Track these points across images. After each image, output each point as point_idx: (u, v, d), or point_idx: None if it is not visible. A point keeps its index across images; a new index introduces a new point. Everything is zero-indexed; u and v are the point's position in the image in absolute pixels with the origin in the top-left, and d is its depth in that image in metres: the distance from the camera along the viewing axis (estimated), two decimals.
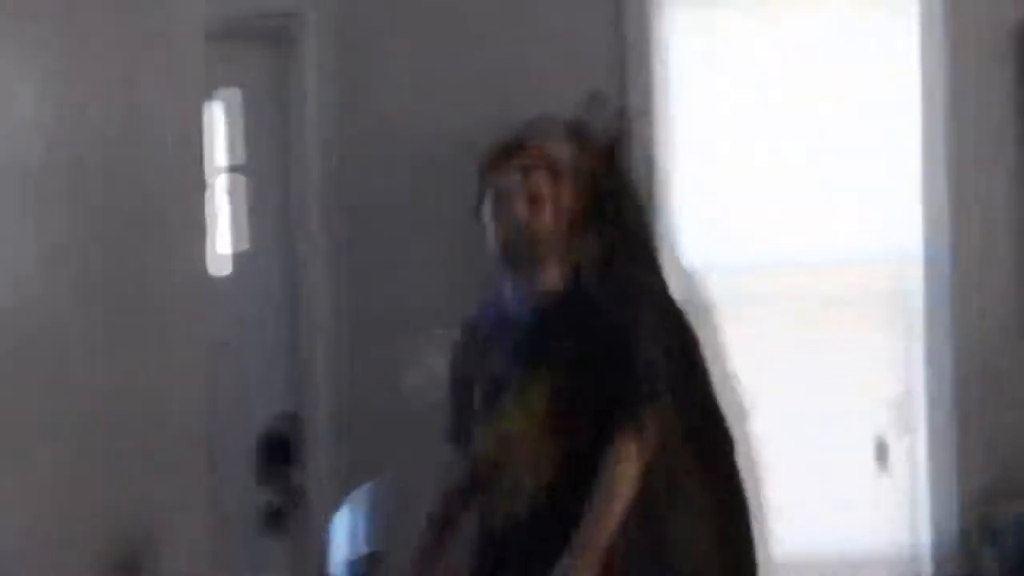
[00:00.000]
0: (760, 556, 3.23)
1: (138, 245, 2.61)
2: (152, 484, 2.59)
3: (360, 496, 3.41)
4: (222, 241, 3.84)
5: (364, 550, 3.54)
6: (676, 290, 3.42)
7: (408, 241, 3.89)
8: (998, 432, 4.00)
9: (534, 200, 2.90)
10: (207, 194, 3.05)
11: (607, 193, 3.34)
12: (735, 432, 3.30)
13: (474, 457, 2.99)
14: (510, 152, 2.95)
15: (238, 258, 3.91)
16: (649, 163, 3.86)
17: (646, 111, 3.91)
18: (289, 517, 3.84)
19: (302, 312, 3.91)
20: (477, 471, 2.98)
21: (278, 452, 3.84)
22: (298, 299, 3.92)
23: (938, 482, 4.06)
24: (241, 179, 3.91)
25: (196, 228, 2.90)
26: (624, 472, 2.82)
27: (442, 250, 3.84)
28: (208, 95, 3.20)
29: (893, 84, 4.18)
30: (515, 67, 3.93)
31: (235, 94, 3.87)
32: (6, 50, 2.19)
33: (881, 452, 4.14)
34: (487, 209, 2.92)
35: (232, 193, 3.91)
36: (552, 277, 2.95)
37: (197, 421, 2.85)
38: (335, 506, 3.68)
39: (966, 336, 4.06)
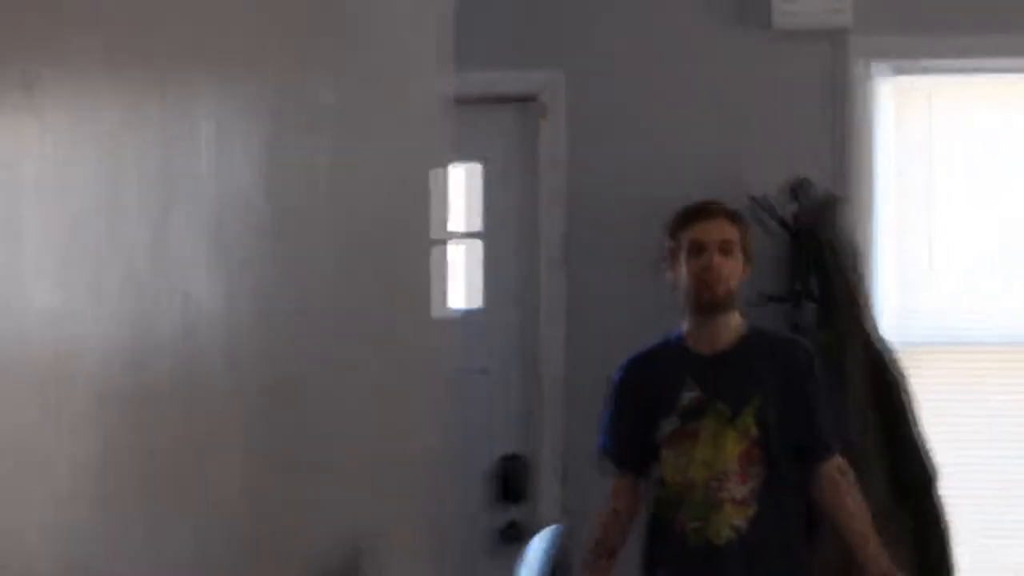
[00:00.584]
0: None
1: (381, 295, 2.82)
2: (387, 504, 2.76)
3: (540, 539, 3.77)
4: (460, 298, 4.21)
5: None
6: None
7: (625, 302, 4.19)
8: None
9: (724, 249, 3.36)
10: (441, 253, 3.39)
11: (824, 245, 3.90)
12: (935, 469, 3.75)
13: (662, 480, 3.38)
14: (702, 210, 3.44)
15: (474, 314, 4.27)
16: (855, 241, 4.07)
17: (851, 185, 4.09)
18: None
19: (531, 364, 4.28)
20: (667, 493, 3.37)
21: (506, 487, 4.25)
22: (529, 352, 4.29)
23: None
24: (479, 243, 4.32)
25: (430, 285, 3.15)
26: (849, 480, 3.35)
27: (656, 309, 4.15)
28: (452, 162, 3.56)
29: None
30: (728, 148, 4.17)
31: (476, 166, 4.27)
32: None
33: None
34: (682, 260, 3.39)
35: (470, 255, 4.31)
36: (736, 321, 3.42)
37: (436, 456, 3.09)
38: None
39: None
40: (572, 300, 4.24)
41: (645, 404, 3.45)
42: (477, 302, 4.32)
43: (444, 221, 3.22)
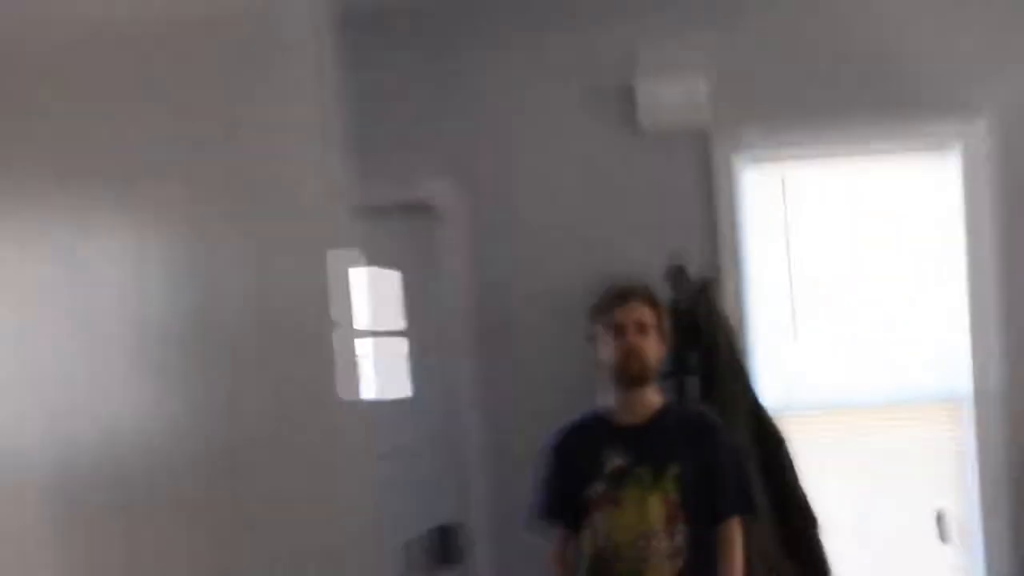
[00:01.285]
0: None
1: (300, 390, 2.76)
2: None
3: None
4: (390, 388, 4.71)
5: None
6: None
7: (538, 381, 4.59)
8: None
9: (641, 330, 3.75)
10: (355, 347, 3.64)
11: (703, 322, 4.21)
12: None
13: (584, 540, 3.77)
14: (620, 295, 3.81)
15: (404, 402, 4.75)
16: (729, 317, 4.40)
17: (722, 267, 4.47)
18: None
19: (458, 443, 4.73)
20: (600, 547, 3.73)
21: (444, 553, 4.71)
22: (454, 432, 4.74)
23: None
24: (403, 340, 4.79)
25: (347, 377, 3.21)
26: (739, 544, 3.73)
27: (565, 383, 4.50)
28: (366, 266, 3.75)
29: (942, 233, 4.56)
30: (612, 240, 4.58)
31: (394, 272, 4.75)
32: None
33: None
34: (602, 340, 3.77)
35: (397, 351, 4.79)
36: (655, 395, 3.81)
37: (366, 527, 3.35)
38: None
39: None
40: (487, 383, 4.70)
41: (576, 468, 3.78)
42: (406, 391, 4.80)
43: (352, 317, 3.54)
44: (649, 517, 3.68)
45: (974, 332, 4.53)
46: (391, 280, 4.75)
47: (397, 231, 4.68)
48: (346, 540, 2.93)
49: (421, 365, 4.81)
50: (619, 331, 3.75)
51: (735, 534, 3.72)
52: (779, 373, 4.58)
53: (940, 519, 4.59)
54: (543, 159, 4.67)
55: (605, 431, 3.80)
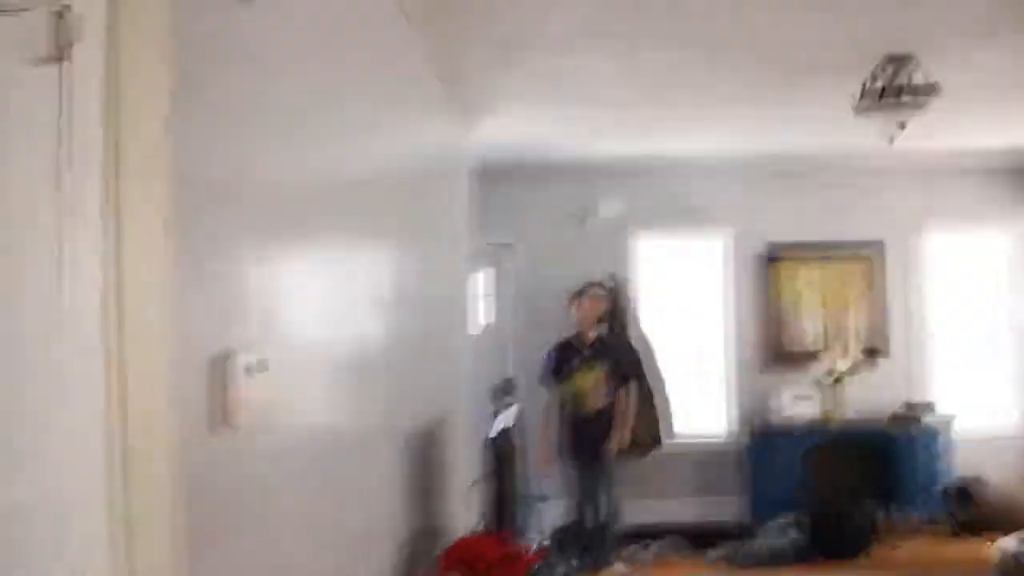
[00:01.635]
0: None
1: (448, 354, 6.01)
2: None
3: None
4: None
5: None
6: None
7: (545, 322, 9.59)
8: None
9: (592, 305, 8.98)
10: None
11: (616, 307, 9.92)
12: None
13: (563, 391, 8.72)
14: (582, 291, 9.05)
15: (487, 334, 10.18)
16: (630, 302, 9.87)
17: (627, 281, 10.09)
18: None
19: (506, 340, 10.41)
20: (566, 396, 8.67)
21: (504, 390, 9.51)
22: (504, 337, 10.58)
23: None
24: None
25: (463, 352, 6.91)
26: (631, 395, 8.79)
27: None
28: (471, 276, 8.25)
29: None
30: (581, 268, 9.69)
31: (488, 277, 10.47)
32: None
33: None
34: (574, 308, 8.91)
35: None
36: (594, 333, 8.95)
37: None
38: None
39: None
40: (525, 330, 10.80)
41: (561, 361, 8.76)
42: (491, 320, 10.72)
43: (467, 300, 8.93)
44: (593, 380, 8.55)
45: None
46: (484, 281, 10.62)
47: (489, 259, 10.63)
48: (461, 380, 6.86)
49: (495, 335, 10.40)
50: (580, 306, 8.87)
51: (632, 389, 8.68)
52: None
53: None
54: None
55: (573, 348, 8.75)
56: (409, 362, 4.54)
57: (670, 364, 9.63)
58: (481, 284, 10.10)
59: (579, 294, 9.01)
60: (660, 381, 9.30)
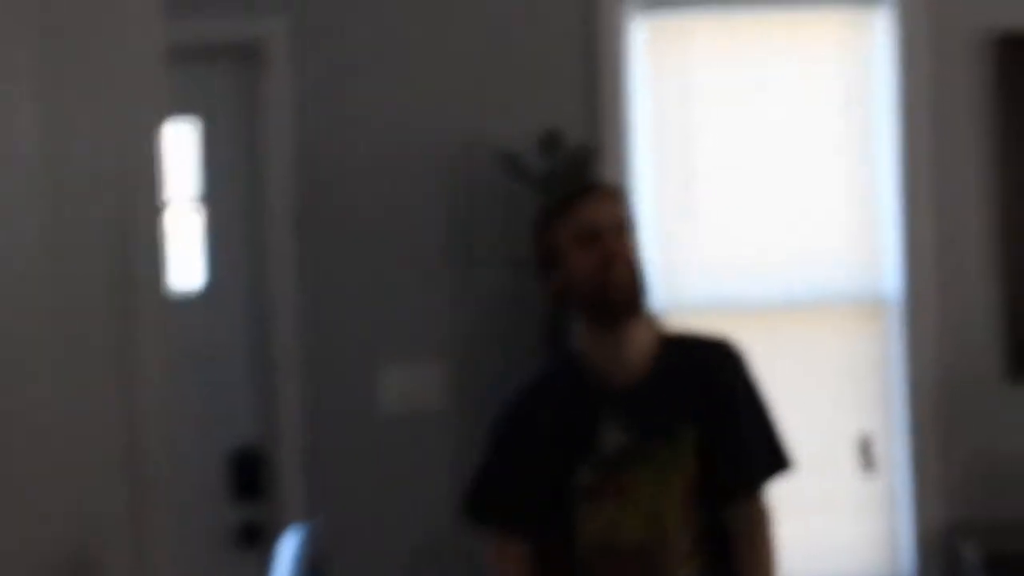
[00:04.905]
0: None
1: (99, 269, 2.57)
2: (108, 503, 2.48)
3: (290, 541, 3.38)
4: (187, 271, 3.79)
5: None
6: None
7: (374, 270, 3.85)
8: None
9: (622, 234, 2.61)
10: (165, 221, 3.02)
11: None
12: None
13: (581, 542, 2.63)
14: (586, 191, 2.67)
15: (202, 289, 3.86)
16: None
17: (605, 147, 3.81)
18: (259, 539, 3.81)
19: (266, 343, 3.86)
20: (591, 558, 2.63)
21: (242, 484, 3.83)
22: (261, 330, 3.86)
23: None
24: (203, 208, 3.85)
25: (156, 256, 2.88)
26: (772, 531, 2.69)
27: (410, 280, 3.82)
28: (167, 121, 3.16)
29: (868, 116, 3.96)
30: (472, 100, 3.87)
31: (196, 121, 3.85)
32: None
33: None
34: (569, 257, 2.60)
35: (197, 222, 3.86)
36: (649, 328, 2.67)
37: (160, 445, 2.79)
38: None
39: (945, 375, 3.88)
40: (305, 271, 3.84)
41: (548, 451, 2.64)
42: (199, 278, 3.86)
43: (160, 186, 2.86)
44: (667, 505, 2.60)
45: (905, 222, 3.87)
46: (187, 133, 3.77)
47: (206, 77, 3.87)
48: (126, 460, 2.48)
49: (223, 246, 3.88)
50: (592, 238, 2.58)
51: (766, 504, 2.70)
52: (669, 265, 3.89)
53: (863, 445, 3.93)
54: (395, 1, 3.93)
55: (588, 392, 2.64)
56: None
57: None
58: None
59: (574, 205, 2.65)
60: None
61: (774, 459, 2.68)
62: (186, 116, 3.83)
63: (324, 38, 3.85)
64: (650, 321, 2.66)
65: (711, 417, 2.60)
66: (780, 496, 2.79)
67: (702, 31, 3.96)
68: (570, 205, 2.61)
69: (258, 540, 3.76)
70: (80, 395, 2.32)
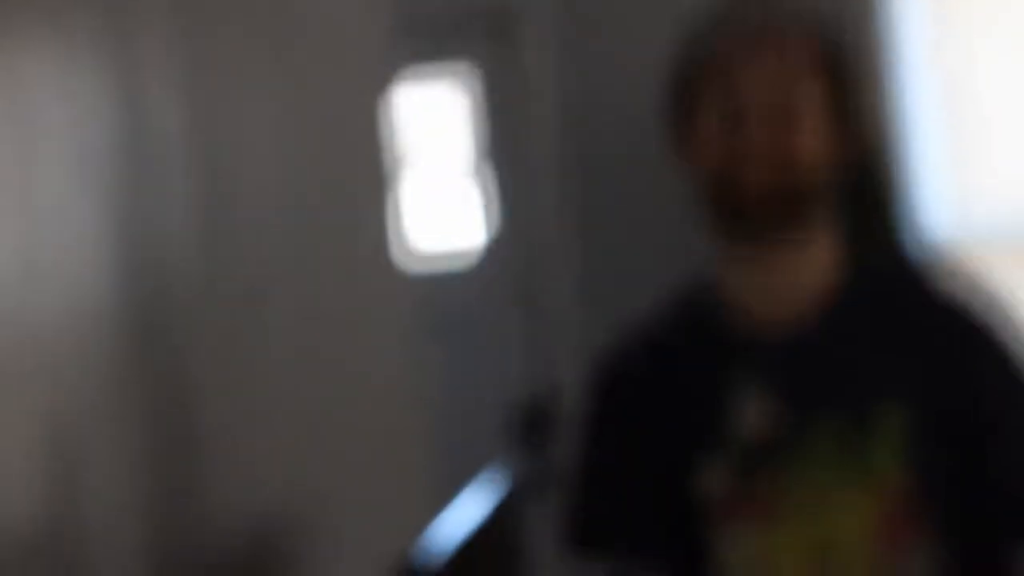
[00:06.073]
0: None
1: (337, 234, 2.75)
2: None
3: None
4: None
5: None
6: None
7: (648, 221, 4.05)
8: None
9: (785, 113, 1.61)
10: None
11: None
12: None
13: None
14: (748, 34, 1.64)
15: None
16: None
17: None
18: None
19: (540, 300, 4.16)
20: None
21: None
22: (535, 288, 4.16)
23: None
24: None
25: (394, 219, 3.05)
26: None
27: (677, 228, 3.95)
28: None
29: None
30: None
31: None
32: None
33: None
34: (699, 132, 1.62)
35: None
36: (825, 254, 1.68)
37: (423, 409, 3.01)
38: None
39: None
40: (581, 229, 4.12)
41: (665, 435, 1.70)
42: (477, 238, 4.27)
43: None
44: (845, 527, 1.64)
45: None
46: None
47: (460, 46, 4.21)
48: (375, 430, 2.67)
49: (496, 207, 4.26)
50: (736, 116, 1.59)
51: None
52: (956, 188, 3.68)
53: None
54: None
55: (724, 347, 1.69)
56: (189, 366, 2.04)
57: None
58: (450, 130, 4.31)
59: (724, 53, 1.57)
60: None
61: None
62: (452, 83, 4.17)
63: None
64: (829, 241, 1.68)
65: (935, 395, 1.64)
66: None
67: None
68: (717, 55, 1.64)
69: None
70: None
